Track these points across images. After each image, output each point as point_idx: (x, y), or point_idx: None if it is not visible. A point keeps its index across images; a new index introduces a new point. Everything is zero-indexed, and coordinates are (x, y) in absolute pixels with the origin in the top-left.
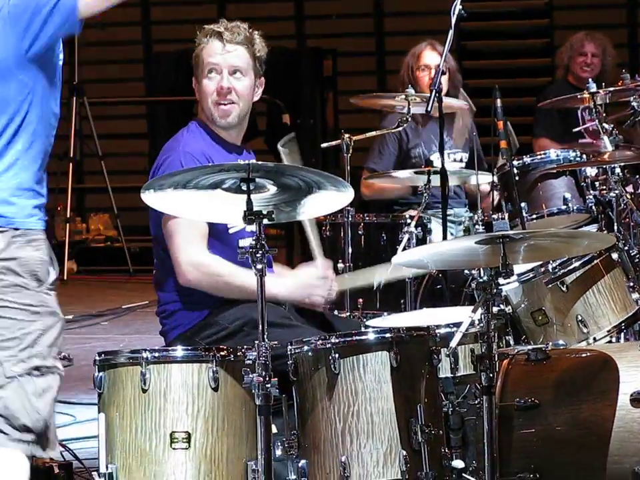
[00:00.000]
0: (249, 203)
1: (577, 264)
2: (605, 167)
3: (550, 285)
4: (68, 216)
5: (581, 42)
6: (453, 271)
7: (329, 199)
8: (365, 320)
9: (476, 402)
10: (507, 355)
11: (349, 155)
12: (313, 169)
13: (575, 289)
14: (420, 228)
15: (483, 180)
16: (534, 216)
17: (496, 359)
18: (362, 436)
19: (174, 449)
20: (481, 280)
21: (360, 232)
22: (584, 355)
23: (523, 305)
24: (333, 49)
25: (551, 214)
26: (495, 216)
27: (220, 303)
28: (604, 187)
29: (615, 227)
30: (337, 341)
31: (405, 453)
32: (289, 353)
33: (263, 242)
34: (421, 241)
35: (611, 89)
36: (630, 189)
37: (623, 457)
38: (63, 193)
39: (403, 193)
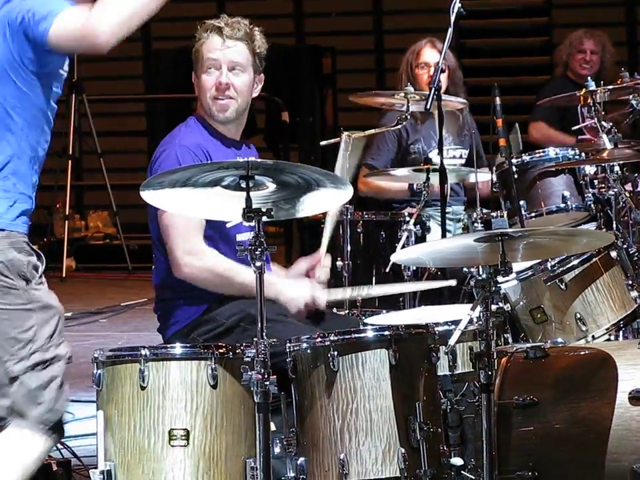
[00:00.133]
0: (248, 200)
1: (575, 262)
2: (603, 165)
3: (549, 283)
4: (67, 213)
5: (580, 39)
6: (451, 269)
7: (328, 197)
8: (363, 318)
9: (474, 400)
10: (505, 352)
11: (348, 152)
12: (312, 166)
13: (574, 287)
14: (419, 226)
15: (482, 177)
16: (533, 214)
17: (495, 357)
18: (361, 433)
19: (172, 446)
20: (480, 278)
21: (359, 230)
22: (582, 353)
23: (521, 303)
24: (332, 47)
25: (550, 212)
26: (493, 214)
27: (217, 299)
28: (603, 185)
29: (614, 225)
30: (335, 338)
31: (403, 450)
32: (287, 350)
33: (262, 239)
34: (420, 239)
35: (610, 87)
36: (629, 187)
37: (621, 454)
38: (61, 190)
39: (400, 196)
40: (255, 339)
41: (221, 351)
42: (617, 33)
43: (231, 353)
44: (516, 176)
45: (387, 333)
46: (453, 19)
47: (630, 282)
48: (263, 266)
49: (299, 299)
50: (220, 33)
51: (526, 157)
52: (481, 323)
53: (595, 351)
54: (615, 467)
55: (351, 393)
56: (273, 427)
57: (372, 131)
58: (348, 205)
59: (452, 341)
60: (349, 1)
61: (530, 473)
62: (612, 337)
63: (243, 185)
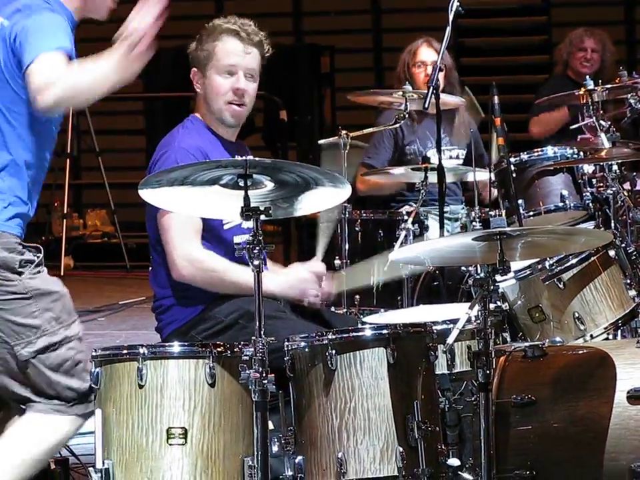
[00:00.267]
0: (247, 199)
1: (573, 261)
2: (602, 164)
3: (547, 282)
4: (65, 212)
5: (581, 37)
6: (450, 268)
7: (326, 195)
8: (361, 316)
9: (472, 399)
10: (503, 351)
11: (346, 151)
12: (310, 165)
13: (572, 286)
14: (417, 224)
15: (482, 177)
16: (531, 213)
17: (493, 356)
18: (359, 432)
19: (170, 444)
20: (478, 277)
21: (357, 228)
22: (581, 352)
23: (519, 302)
24: (331, 46)
25: (548, 211)
26: (492, 213)
27: (215, 298)
28: (601, 184)
29: (612, 224)
30: (333, 337)
31: (401, 449)
32: (285, 349)
33: (260, 238)
34: (418, 238)
35: (608, 86)
36: (627, 186)
37: (619, 454)
38: (59, 188)
39: (399, 188)
40: (253, 338)
41: (219, 349)
42: (615, 31)
43: (229, 352)
44: (514, 175)
45: (385, 331)
46: (451, 17)
47: (628, 281)
48: (261, 265)
49: (309, 286)
50: (239, 38)
51: (524, 156)
52: (479, 321)
53: (593, 350)
54: (613, 466)
55: (349, 391)
56: (270, 425)
57: (370, 130)
58: (346, 204)
59: (450, 340)
60: (348, 0)
61: (528, 472)
62: (610, 336)
63: (241, 183)
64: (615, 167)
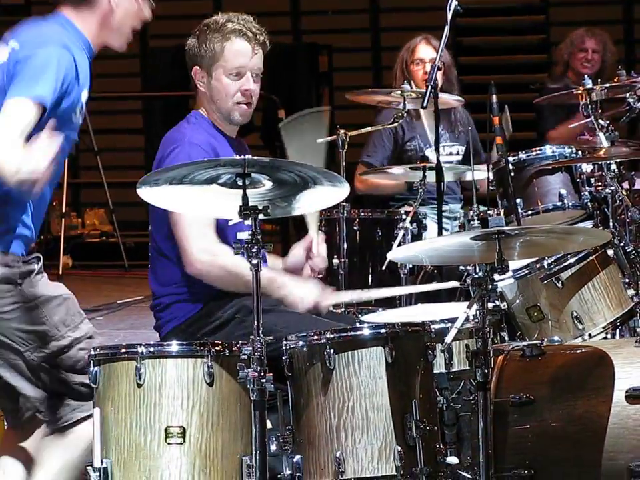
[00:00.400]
0: (245, 198)
1: (572, 260)
2: (600, 163)
3: (545, 281)
4: (63, 211)
5: (582, 38)
6: (448, 267)
7: (325, 194)
8: (359, 315)
9: (471, 398)
10: (502, 350)
11: (345, 150)
12: (309, 164)
13: (571, 285)
14: (415, 224)
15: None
16: (529, 212)
17: (491, 355)
18: (357, 431)
19: (169, 443)
20: (476, 276)
21: (355, 227)
22: (579, 351)
23: (518, 301)
24: (329, 45)
25: (547, 210)
26: (490, 212)
27: (214, 296)
28: (599, 183)
29: (611, 224)
30: (331, 336)
31: (399, 448)
32: (284, 348)
33: (259, 237)
34: (416, 237)
35: (607, 85)
36: (625, 185)
37: (617, 453)
38: (58, 187)
39: (397, 190)
40: (252, 337)
41: (217, 348)
42: (614, 30)
43: (227, 351)
44: (512, 174)
45: (383, 330)
46: (449, 16)
47: (626, 280)
48: (260, 264)
49: (307, 299)
50: (247, 38)
51: (522, 155)
52: (477, 321)
53: (591, 349)
54: (612, 466)
55: (347, 390)
56: (269, 424)
57: (368, 129)
58: (344, 203)
59: (448, 339)
60: None
61: (526, 471)
62: (608, 335)
63: (240, 182)
64: (613, 166)
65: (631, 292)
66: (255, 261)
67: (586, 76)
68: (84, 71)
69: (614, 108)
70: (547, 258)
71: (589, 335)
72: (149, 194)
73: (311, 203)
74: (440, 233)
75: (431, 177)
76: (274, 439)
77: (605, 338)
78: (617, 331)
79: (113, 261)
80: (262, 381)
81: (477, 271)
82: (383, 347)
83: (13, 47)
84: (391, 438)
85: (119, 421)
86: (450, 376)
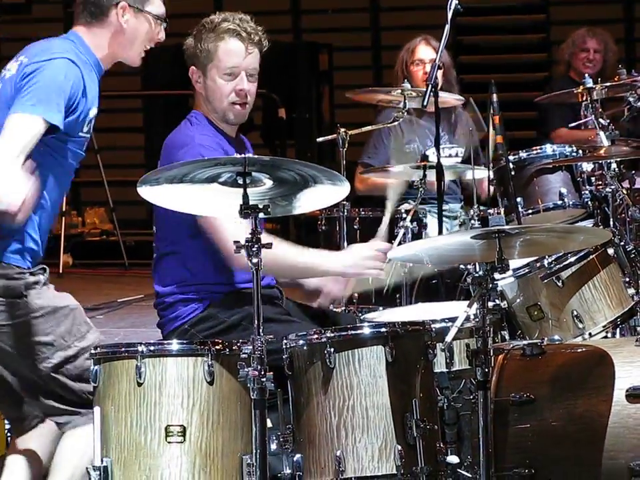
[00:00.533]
0: (245, 196)
1: (572, 259)
2: (601, 162)
3: (545, 280)
4: (64, 210)
5: (583, 38)
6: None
7: (325, 193)
8: (360, 314)
9: (471, 397)
10: (502, 349)
11: (345, 149)
12: (309, 162)
13: (571, 284)
14: (415, 223)
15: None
16: (530, 211)
17: (491, 354)
18: (357, 430)
19: (169, 442)
20: (477, 275)
21: (355, 226)
22: (579, 350)
23: (518, 300)
24: (329, 44)
25: (547, 209)
26: (490, 211)
27: (218, 297)
28: (600, 182)
29: (611, 223)
30: (332, 335)
31: (400, 447)
32: (284, 347)
33: (259, 236)
34: (417, 236)
35: (607, 84)
36: (626, 184)
37: (618, 452)
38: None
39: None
40: (252, 336)
41: (217, 347)
42: (614, 29)
43: (228, 350)
44: (513, 173)
45: (383, 329)
46: (450, 15)
47: (627, 279)
48: (260, 263)
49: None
50: (241, 38)
51: (523, 154)
52: (477, 320)
53: (591, 349)
54: (612, 465)
55: (347, 389)
56: (269, 423)
57: (368, 128)
58: (345, 202)
59: (448, 338)
60: None
61: (526, 471)
62: (609, 335)
63: (240, 181)
64: (613, 165)
65: (631, 291)
66: (255, 260)
67: (586, 75)
68: (92, 88)
69: (614, 107)
70: (547, 257)
71: (589, 334)
72: (150, 193)
73: (312, 201)
74: (440, 232)
75: (431, 176)
76: (274, 437)
77: (606, 337)
78: (618, 330)
79: (113, 259)
80: (262, 379)
81: (478, 269)
82: (383, 345)
83: (22, 61)
84: (391, 437)
85: (119, 419)
86: (450, 375)
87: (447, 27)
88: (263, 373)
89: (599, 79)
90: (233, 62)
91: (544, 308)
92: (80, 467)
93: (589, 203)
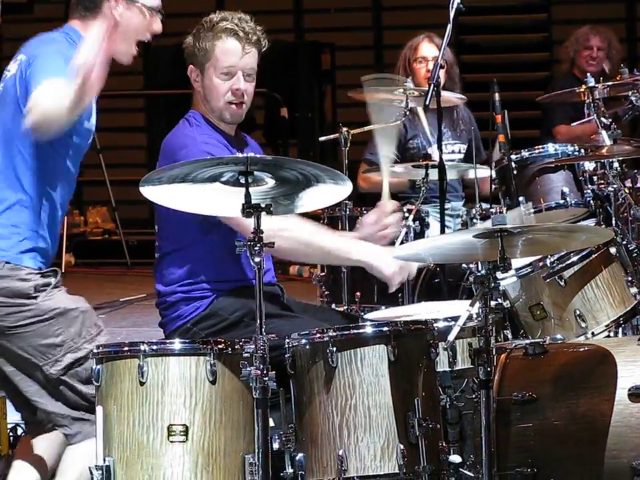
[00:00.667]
0: (248, 196)
1: (575, 258)
2: (603, 161)
3: (548, 280)
4: None
5: (587, 36)
6: (450, 265)
7: (327, 192)
8: (362, 313)
9: (473, 396)
10: (504, 349)
11: (347, 148)
12: (311, 162)
13: (573, 284)
14: (417, 221)
15: (482, 173)
16: (532, 210)
17: (494, 353)
18: (359, 430)
19: (171, 441)
20: (479, 274)
21: (358, 225)
22: (582, 350)
23: (520, 299)
24: (331, 43)
25: (549, 208)
26: (492, 210)
27: (220, 295)
28: (602, 181)
29: (613, 222)
30: (334, 334)
31: (402, 446)
32: (286, 346)
33: (261, 235)
34: (419, 235)
35: (609, 83)
36: (628, 183)
37: (620, 451)
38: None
39: (400, 188)
40: (254, 335)
41: (219, 346)
42: (616, 29)
43: (230, 349)
44: (515, 172)
45: (385, 328)
46: (452, 15)
47: (629, 278)
48: (262, 262)
49: (392, 265)
50: (238, 37)
51: (525, 153)
52: (480, 319)
53: (594, 348)
54: (614, 464)
55: (349, 388)
56: (271, 422)
57: (371, 127)
58: (347, 201)
59: (451, 337)
60: None
61: (529, 470)
62: (611, 334)
63: (242, 180)
64: (615, 164)
65: (633, 290)
66: (257, 259)
67: (588, 74)
68: None
69: (616, 106)
70: (549, 256)
71: (592, 333)
72: (152, 192)
73: (314, 200)
74: (442, 231)
75: (434, 174)
76: (276, 437)
77: (608, 336)
78: (620, 329)
79: (115, 258)
80: (264, 379)
81: (480, 268)
82: (385, 345)
83: (21, 60)
84: (393, 436)
85: (121, 419)
86: (453, 374)
87: (449, 26)
88: (265, 372)
89: (601, 78)
90: (229, 61)
91: (546, 307)
92: (87, 469)
93: (591, 202)
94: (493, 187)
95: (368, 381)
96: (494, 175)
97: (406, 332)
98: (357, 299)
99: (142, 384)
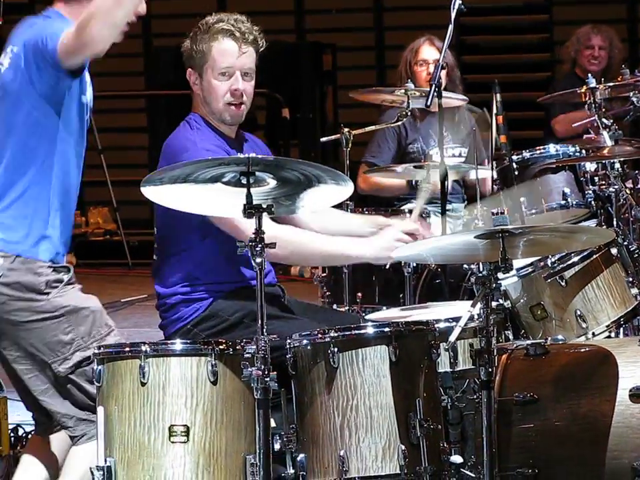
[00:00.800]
0: (249, 196)
1: (576, 259)
2: (604, 162)
3: (549, 280)
4: None
5: (588, 35)
6: (452, 266)
7: (329, 193)
8: (364, 314)
9: (475, 397)
10: (505, 349)
11: (348, 149)
12: (313, 162)
13: (574, 284)
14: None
15: (483, 174)
16: (533, 211)
17: (495, 354)
18: (361, 430)
19: (172, 442)
20: (480, 274)
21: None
22: (583, 350)
23: (522, 300)
24: (333, 44)
25: (550, 209)
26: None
27: (220, 296)
28: (603, 182)
29: (614, 222)
30: (336, 334)
31: (403, 447)
32: (288, 346)
33: (262, 236)
34: None
35: (610, 84)
36: (629, 184)
37: (621, 452)
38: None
39: (400, 192)
40: (256, 336)
41: (221, 347)
42: (618, 30)
43: (231, 349)
44: (516, 173)
45: (387, 329)
46: (453, 15)
47: (630, 279)
48: (263, 262)
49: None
50: (234, 38)
51: (526, 154)
52: (481, 319)
53: (595, 348)
54: (616, 465)
55: (351, 389)
56: (272, 423)
57: (372, 128)
58: (348, 202)
59: (452, 338)
60: None
61: (530, 470)
62: (612, 334)
63: (244, 181)
64: (617, 165)
65: (634, 291)
66: (258, 260)
67: (589, 75)
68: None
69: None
70: (550, 256)
71: (593, 333)
72: (153, 192)
73: (315, 201)
74: (444, 232)
75: (435, 176)
76: (278, 437)
77: (609, 337)
78: (621, 329)
79: (116, 259)
80: (266, 379)
81: (481, 269)
82: (387, 345)
83: (12, 50)
84: (394, 437)
85: (122, 419)
86: (454, 375)
87: (451, 26)
88: (266, 372)
89: (602, 79)
90: (226, 62)
91: (547, 308)
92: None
93: (592, 202)
94: (495, 187)
95: (369, 381)
96: (495, 176)
97: (407, 332)
98: (358, 300)
99: (143, 384)
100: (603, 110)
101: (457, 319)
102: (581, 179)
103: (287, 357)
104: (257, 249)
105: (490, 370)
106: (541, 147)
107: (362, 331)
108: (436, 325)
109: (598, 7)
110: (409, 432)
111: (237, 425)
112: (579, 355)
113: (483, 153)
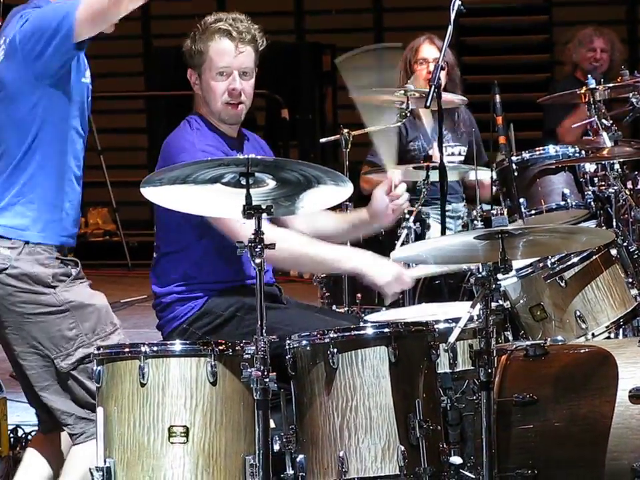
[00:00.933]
0: (248, 197)
1: (575, 260)
2: (604, 162)
3: (549, 281)
4: None
5: (590, 37)
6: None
7: (328, 194)
8: (363, 315)
9: (474, 397)
10: (505, 350)
11: (348, 149)
12: (312, 163)
13: (574, 285)
14: (418, 223)
15: (482, 175)
16: (533, 211)
17: (494, 355)
18: (360, 431)
19: (172, 443)
20: (480, 275)
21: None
22: (582, 351)
23: (521, 301)
24: (332, 44)
25: (550, 210)
26: (493, 211)
27: (214, 294)
28: (603, 183)
29: (614, 223)
30: (335, 335)
31: (403, 448)
32: (287, 347)
33: (262, 236)
34: (420, 236)
35: (610, 85)
36: (629, 184)
37: (621, 453)
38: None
39: None
40: (255, 336)
41: (220, 347)
42: (617, 31)
43: (231, 350)
44: (516, 173)
45: (386, 330)
46: (453, 16)
47: (630, 280)
48: (263, 263)
49: (387, 273)
50: (231, 37)
51: (526, 155)
52: (480, 320)
53: (594, 349)
54: (615, 466)
55: (350, 390)
56: (272, 424)
57: (371, 129)
58: (348, 203)
59: (452, 339)
60: None
61: (529, 471)
62: (612, 335)
63: (243, 181)
64: (616, 166)
65: (634, 291)
66: (257, 260)
67: (589, 76)
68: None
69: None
70: (550, 257)
71: (592, 334)
72: (153, 193)
73: (315, 202)
74: (443, 233)
75: (434, 176)
76: (277, 438)
77: (608, 337)
78: (620, 330)
79: (116, 260)
80: (265, 380)
81: (481, 270)
82: (386, 346)
83: (5, 40)
84: (394, 437)
85: (122, 420)
86: (454, 375)
87: (450, 27)
88: (265, 373)
89: (602, 80)
90: (224, 62)
91: (547, 308)
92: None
93: (592, 203)
94: (494, 188)
95: (369, 382)
96: (495, 177)
97: (407, 333)
98: (357, 301)
99: (143, 385)
100: (603, 111)
101: (456, 320)
102: (581, 179)
103: (287, 357)
104: (257, 249)
105: (489, 371)
106: (541, 148)
107: (361, 332)
108: (435, 326)
109: (598, 8)
110: (409, 433)
111: (236, 425)
112: (579, 356)
113: (484, 156)
